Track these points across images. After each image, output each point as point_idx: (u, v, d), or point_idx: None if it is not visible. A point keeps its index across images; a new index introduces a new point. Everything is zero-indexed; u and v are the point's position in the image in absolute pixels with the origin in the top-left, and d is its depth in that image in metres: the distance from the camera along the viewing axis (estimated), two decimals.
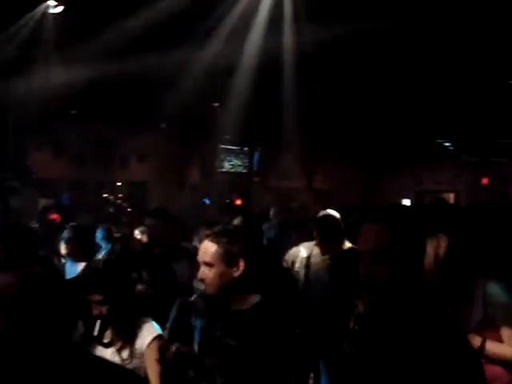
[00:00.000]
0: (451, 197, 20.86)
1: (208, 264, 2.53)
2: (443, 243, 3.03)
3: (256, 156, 17.24)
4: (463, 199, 19.74)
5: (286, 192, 18.04)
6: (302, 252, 5.09)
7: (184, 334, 2.80)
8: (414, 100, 12.28)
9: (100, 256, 5.52)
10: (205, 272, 2.53)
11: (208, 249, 2.55)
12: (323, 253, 4.90)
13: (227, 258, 2.52)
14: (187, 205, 13.94)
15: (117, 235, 7.11)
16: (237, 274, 2.55)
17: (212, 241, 2.56)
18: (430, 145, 17.91)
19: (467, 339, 1.81)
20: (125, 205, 14.77)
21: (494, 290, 2.87)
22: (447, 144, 18.15)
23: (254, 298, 2.59)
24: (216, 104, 12.31)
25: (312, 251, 5.01)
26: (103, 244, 6.40)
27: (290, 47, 9.85)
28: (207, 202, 15.84)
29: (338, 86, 11.53)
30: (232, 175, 16.97)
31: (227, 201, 16.16)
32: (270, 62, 10.02)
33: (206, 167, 16.19)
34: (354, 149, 17.21)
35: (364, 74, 10.47)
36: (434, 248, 3.00)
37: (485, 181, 20.99)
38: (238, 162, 17.06)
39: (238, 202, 16.09)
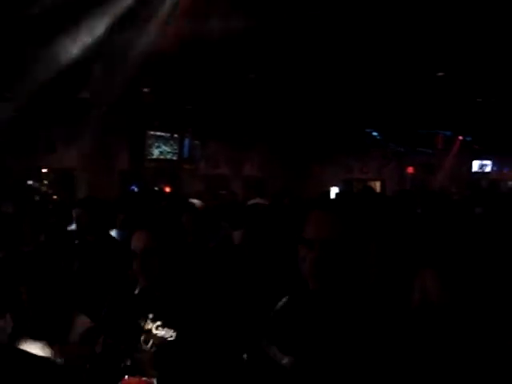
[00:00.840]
0: (377, 185, 21.46)
1: (149, 252, 2.44)
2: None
3: (186, 143, 17.04)
4: (389, 187, 20.35)
5: (216, 179, 18.02)
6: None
7: (118, 326, 2.71)
8: (343, 90, 12.41)
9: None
10: (145, 261, 2.45)
11: (145, 237, 2.46)
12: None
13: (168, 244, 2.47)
14: (115, 192, 13.63)
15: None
16: (176, 259, 2.51)
17: (149, 228, 2.48)
18: (358, 134, 18.24)
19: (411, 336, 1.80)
20: (50, 192, 14.26)
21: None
22: (375, 134, 18.54)
23: (189, 286, 2.53)
24: (146, 89, 12.06)
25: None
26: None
27: (219, 33, 9.70)
28: (135, 189, 15.55)
29: (269, 74, 11.49)
30: (161, 162, 16.72)
31: (156, 188, 15.94)
32: (200, 47, 9.86)
33: (134, 154, 15.87)
34: (283, 137, 17.29)
35: (294, 61, 10.47)
36: None
37: (410, 170, 21.69)
38: (168, 149, 16.79)
39: (167, 189, 15.92)
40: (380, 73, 11.08)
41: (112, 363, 2.47)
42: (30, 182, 14.31)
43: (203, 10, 8.55)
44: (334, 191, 17.03)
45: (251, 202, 5.86)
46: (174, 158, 17.12)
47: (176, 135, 16.86)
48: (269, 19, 8.37)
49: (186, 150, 17.12)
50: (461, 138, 19.31)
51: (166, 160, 16.85)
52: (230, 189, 16.35)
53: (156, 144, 16.44)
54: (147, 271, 2.43)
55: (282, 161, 19.33)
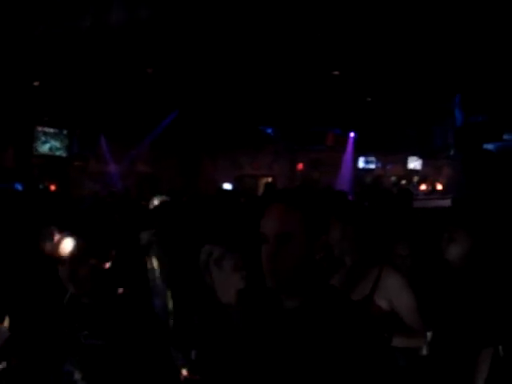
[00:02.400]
0: (268, 181, 21.75)
1: (76, 260, 2.30)
2: None
3: (76, 139, 16.43)
4: (279, 183, 20.68)
5: (108, 176, 17.50)
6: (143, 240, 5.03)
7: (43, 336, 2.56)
8: (235, 86, 12.47)
9: None
10: (71, 269, 2.30)
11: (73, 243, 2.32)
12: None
13: (93, 250, 2.33)
14: None
15: None
16: (107, 265, 2.37)
17: (75, 233, 2.33)
18: (250, 131, 18.41)
19: (373, 325, 1.81)
20: None
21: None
22: (268, 130, 18.80)
23: (116, 291, 2.42)
24: (36, 83, 11.47)
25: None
26: None
27: (116, 26, 9.40)
28: (19, 187, 14.75)
29: (163, 69, 11.31)
30: (50, 159, 15.98)
31: (41, 186, 15.22)
32: (94, 41, 9.52)
33: (20, 150, 15.06)
34: (176, 133, 17.11)
35: (187, 57, 10.38)
36: None
37: (300, 166, 22.16)
38: (57, 145, 16.09)
39: (53, 187, 15.27)
40: (273, 70, 11.23)
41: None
42: None
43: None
44: (226, 187, 17.09)
45: (156, 200, 5.73)
46: (64, 155, 16.44)
47: (66, 131, 16.21)
48: (161, 13, 8.24)
49: (76, 146, 16.50)
50: (350, 135, 20.03)
51: (54, 157, 16.14)
52: (123, 186, 15.95)
53: (44, 139, 15.71)
54: (75, 279, 2.30)
55: (175, 157, 19.13)
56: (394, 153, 20.85)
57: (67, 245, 2.30)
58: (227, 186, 18.10)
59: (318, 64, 10.63)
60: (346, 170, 21.51)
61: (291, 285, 1.78)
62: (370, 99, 13.69)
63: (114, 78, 11.43)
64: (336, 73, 11.18)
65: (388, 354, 1.80)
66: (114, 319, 2.29)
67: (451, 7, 7.57)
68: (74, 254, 2.28)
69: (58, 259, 2.30)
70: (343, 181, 20.57)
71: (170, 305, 4.55)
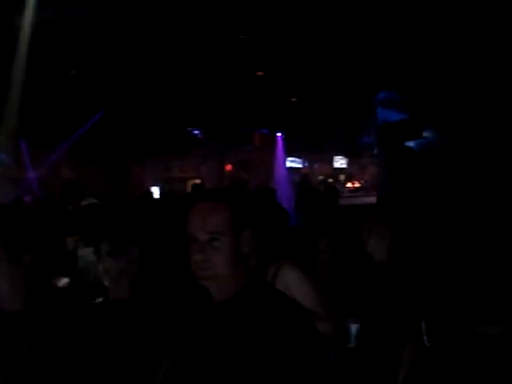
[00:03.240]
0: (197, 183, 21.66)
1: None
2: None
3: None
4: (208, 185, 20.61)
5: (28, 182, 16.93)
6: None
7: None
8: (161, 88, 12.36)
9: None
10: None
11: None
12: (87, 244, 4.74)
13: (12, 254, 2.22)
14: None
15: None
16: (24, 271, 2.25)
17: None
18: (178, 132, 18.27)
19: (306, 319, 1.83)
20: None
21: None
22: (195, 132, 18.72)
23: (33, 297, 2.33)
24: None
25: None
26: None
27: (28, 27, 9.08)
28: None
29: (86, 70, 11.05)
30: None
31: None
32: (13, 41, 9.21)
33: None
34: (100, 135, 16.76)
35: (113, 59, 10.20)
36: None
37: (228, 167, 22.21)
38: None
39: None
40: (199, 72, 11.20)
41: None
42: None
43: None
44: (154, 191, 16.92)
45: (85, 202, 5.60)
46: None
47: None
48: (82, 14, 8.07)
49: None
50: (277, 135, 20.23)
51: None
52: (47, 191, 15.47)
53: None
54: None
55: (101, 161, 18.72)
56: (321, 152, 21.22)
57: None
58: (155, 189, 17.93)
59: (242, 65, 10.67)
60: (274, 170, 21.69)
61: (221, 280, 1.78)
62: (295, 99, 13.86)
63: (36, 80, 11.07)
64: (260, 73, 11.26)
65: (318, 344, 1.82)
66: (37, 325, 2.21)
67: (371, 6, 7.73)
68: None
69: None
70: (274, 181, 20.75)
71: None
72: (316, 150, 20.68)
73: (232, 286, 1.81)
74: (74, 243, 5.09)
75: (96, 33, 8.82)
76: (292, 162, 22.15)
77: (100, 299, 3.04)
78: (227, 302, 1.81)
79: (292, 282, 3.03)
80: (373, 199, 13.72)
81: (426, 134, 10.10)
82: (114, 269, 2.86)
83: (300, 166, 22.26)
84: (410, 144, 10.31)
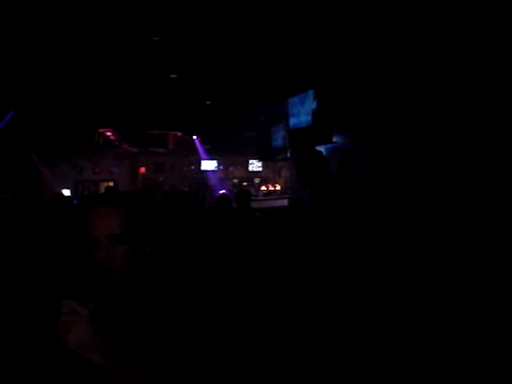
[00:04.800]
0: (110, 185, 21.30)
1: None
2: None
3: None
4: (121, 188, 20.35)
5: None
6: None
7: None
8: (74, 88, 12.10)
9: None
10: None
11: None
12: None
13: None
14: None
15: None
16: None
17: None
18: (89, 133, 17.89)
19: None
20: None
21: None
22: (108, 133, 18.38)
23: None
24: None
25: None
26: None
27: None
28: None
29: None
30: None
31: None
32: None
33: None
34: (6, 136, 16.17)
35: (24, 58, 9.89)
36: None
37: (142, 169, 21.99)
38: None
39: None
40: (114, 74, 11.05)
41: None
42: None
43: None
44: (66, 193, 16.46)
45: None
46: None
47: None
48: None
49: None
50: (192, 138, 20.21)
51: None
52: None
53: None
54: None
55: (7, 163, 18.03)
56: (237, 155, 21.38)
57: None
58: (66, 192, 17.45)
59: (155, 67, 10.60)
60: (188, 172, 21.65)
61: (126, 279, 1.86)
62: (209, 102, 13.89)
63: None
64: (173, 76, 11.22)
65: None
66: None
67: (281, 9, 7.86)
68: None
69: None
70: (186, 182, 20.70)
71: None
72: (231, 153, 20.83)
73: (133, 284, 1.90)
74: None
75: (6, 30, 8.54)
76: (207, 165, 22.20)
77: None
78: (127, 296, 1.90)
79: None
80: (285, 202, 13.97)
81: (335, 138, 10.40)
82: None
83: (215, 169, 22.32)
84: (320, 148, 10.56)
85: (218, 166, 22.38)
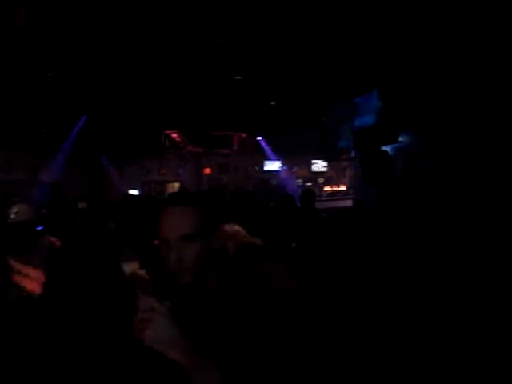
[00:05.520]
0: (176, 186, 21.67)
1: None
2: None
3: None
4: (188, 188, 20.57)
5: (7, 186, 16.79)
6: None
7: None
8: (141, 90, 12.35)
9: None
10: None
11: None
12: None
13: None
14: None
15: None
16: None
17: None
18: (156, 136, 18.24)
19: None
20: None
21: None
22: (174, 135, 18.70)
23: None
24: None
25: None
26: None
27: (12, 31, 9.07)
28: None
29: (64, 73, 11.03)
30: None
31: None
32: None
33: None
34: (81, 140, 16.70)
35: (92, 61, 10.19)
36: None
37: (207, 170, 22.21)
38: None
39: None
40: (179, 76, 11.22)
41: None
42: None
43: None
44: (133, 193, 16.83)
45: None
46: None
47: None
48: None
49: None
50: (256, 138, 20.30)
51: None
52: (24, 196, 15.35)
53: None
54: None
55: (80, 165, 18.65)
56: (300, 155, 21.30)
57: None
58: (134, 192, 17.85)
59: (220, 69, 10.72)
60: (252, 173, 21.73)
61: (197, 279, 1.87)
62: (273, 103, 13.94)
63: (14, 84, 11.04)
64: (238, 77, 11.32)
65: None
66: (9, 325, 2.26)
67: (351, 12, 7.81)
68: None
69: None
70: (250, 183, 20.80)
71: None
72: (295, 153, 20.77)
73: (205, 285, 1.89)
74: None
75: (74, 36, 8.81)
76: (270, 166, 22.22)
77: None
78: (200, 294, 1.89)
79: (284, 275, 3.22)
80: (349, 202, 13.87)
81: (401, 138, 10.24)
82: None
83: (279, 169, 22.32)
84: (386, 148, 10.43)
85: (282, 166, 22.35)
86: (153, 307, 1.59)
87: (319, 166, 22.38)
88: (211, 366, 1.61)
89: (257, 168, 22.40)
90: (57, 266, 4.04)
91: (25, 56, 9.56)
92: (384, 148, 10.48)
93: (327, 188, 20.08)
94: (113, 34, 8.72)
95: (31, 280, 2.96)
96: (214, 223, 1.96)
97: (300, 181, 22.23)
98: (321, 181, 22.17)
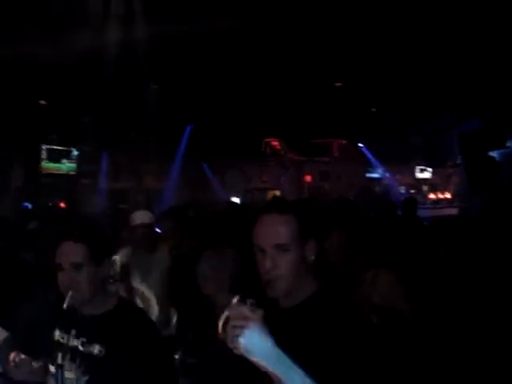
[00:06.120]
0: (277, 193, 21.75)
1: (77, 265, 2.30)
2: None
3: (84, 156, 16.58)
4: (288, 196, 20.62)
5: (116, 193, 17.58)
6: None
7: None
8: (241, 98, 12.55)
9: None
10: (73, 276, 2.30)
11: (75, 249, 2.32)
12: None
13: (96, 256, 2.34)
14: (9, 210, 12.96)
15: None
16: (105, 273, 2.41)
17: (79, 241, 2.34)
18: (257, 143, 18.46)
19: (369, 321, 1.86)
20: None
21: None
22: (274, 143, 18.85)
23: (112, 300, 2.44)
24: (43, 102, 11.62)
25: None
26: None
27: (120, 44, 9.54)
28: (28, 206, 14.83)
29: (170, 83, 11.43)
30: (58, 177, 16.16)
31: (50, 204, 15.34)
32: (98, 58, 9.66)
33: (29, 169, 15.23)
34: (182, 147, 17.21)
35: (196, 71, 10.49)
36: None
37: (308, 178, 22.15)
38: (66, 163, 16.27)
39: (62, 205, 15.35)
40: (279, 84, 11.31)
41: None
42: None
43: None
44: (234, 200, 17.06)
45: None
46: (72, 173, 16.61)
47: (73, 148, 16.38)
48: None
49: (84, 163, 16.67)
50: (357, 145, 20.06)
51: (63, 175, 16.32)
52: (132, 202, 16.00)
53: (52, 158, 15.89)
54: (77, 286, 2.32)
55: (183, 171, 19.20)
56: (403, 162, 20.80)
57: (68, 252, 2.33)
58: (235, 200, 18.10)
59: (320, 76, 10.71)
60: (354, 181, 21.44)
61: (289, 290, 1.83)
62: (374, 109, 13.74)
63: (125, 95, 11.55)
64: (338, 84, 11.25)
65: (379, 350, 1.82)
66: (112, 327, 2.32)
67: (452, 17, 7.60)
68: (76, 260, 2.30)
69: (58, 267, 2.31)
70: (352, 191, 20.52)
71: (174, 319, 4.54)
72: (397, 160, 20.31)
73: (298, 295, 1.85)
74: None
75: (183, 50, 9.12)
76: (373, 173, 21.86)
77: None
78: (293, 308, 1.85)
79: (388, 288, 3.24)
80: (454, 211, 13.33)
81: (509, 143, 9.77)
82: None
83: (381, 176, 21.90)
84: (493, 154, 9.99)
85: (384, 173, 21.91)
86: (246, 315, 1.56)
87: (423, 172, 21.75)
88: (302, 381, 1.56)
89: (359, 175, 22.10)
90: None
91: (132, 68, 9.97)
92: (491, 153, 10.02)
93: (432, 195, 19.48)
94: (217, 45, 8.94)
95: None
96: (311, 233, 1.90)
97: (403, 188, 21.69)
98: (425, 188, 21.53)
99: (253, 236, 1.86)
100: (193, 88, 11.34)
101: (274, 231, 1.82)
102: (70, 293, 2.27)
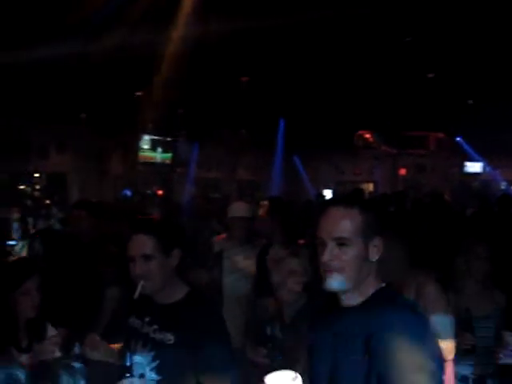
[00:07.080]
0: (370, 186, 21.49)
1: (147, 257, 2.42)
2: None
3: (179, 146, 17.05)
4: (382, 189, 20.33)
5: (210, 182, 18.01)
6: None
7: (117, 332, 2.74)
8: (334, 91, 12.46)
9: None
10: (143, 267, 2.42)
11: (145, 241, 2.45)
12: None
13: (165, 248, 2.45)
14: (109, 197, 13.61)
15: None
16: (174, 263, 2.49)
17: (148, 232, 2.48)
18: (350, 136, 18.27)
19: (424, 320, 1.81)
20: (43, 197, 14.17)
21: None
22: (367, 136, 18.61)
23: (183, 290, 2.53)
24: (139, 93, 12.06)
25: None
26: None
27: (209, 36, 9.70)
28: (128, 193, 15.49)
29: (260, 76, 11.54)
30: (155, 166, 16.72)
31: (148, 192, 15.95)
32: (192, 50, 9.88)
33: (128, 158, 15.87)
34: (276, 140, 17.33)
35: (287, 64, 10.53)
36: None
37: (402, 171, 21.71)
38: (161, 152, 16.82)
39: (160, 192, 15.90)
40: (372, 76, 11.16)
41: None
42: (21, 187, 14.31)
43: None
44: (327, 193, 17.01)
45: None
46: (168, 162, 17.12)
47: (169, 138, 16.88)
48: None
49: (179, 153, 17.14)
50: (454, 139, 19.41)
51: (159, 163, 16.87)
52: (223, 192, 16.34)
53: (149, 147, 16.47)
54: (148, 276, 2.43)
55: (275, 164, 19.34)
56: (506, 156, 19.88)
57: (139, 244, 2.45)
58: (327, 192, 18.04)
59: (411, 68, 10.44)
60: (450, 175, 20.79)
61: (349, 286, 1.82)
62: (471, 101, 13.22)
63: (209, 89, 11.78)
64: (431, 75, 10.92)
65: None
66: (182, 316, 2.41)
67: None
68: (146, 252, 2.42)
69: (130, 258, 2.45)
70: (448, 186, 19.91)
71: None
72: (498, 153, 19.43)
73: (359, 293, 1.84)
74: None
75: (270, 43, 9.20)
76: (472, 167, 21.08)
77: None
78: (353, 308, 1.84)
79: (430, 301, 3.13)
80: None
81: None
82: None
83: (480, 170, 21.06)
84: None
85: (485, 168, 21.05)
86: None
87: None
88: None
89: (456, 169, 21.38)
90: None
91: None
92: None
93: None
94: (308, 37, 8.95)
95: None
96: (377, 230, 1.87)
97: (504, 183, 20.73)
98: None
99: (316, 228, 1.87)
100: (285, 81, 11.38)
101: (336, 224, 1.82)
102: (141, 282, 2.42)
